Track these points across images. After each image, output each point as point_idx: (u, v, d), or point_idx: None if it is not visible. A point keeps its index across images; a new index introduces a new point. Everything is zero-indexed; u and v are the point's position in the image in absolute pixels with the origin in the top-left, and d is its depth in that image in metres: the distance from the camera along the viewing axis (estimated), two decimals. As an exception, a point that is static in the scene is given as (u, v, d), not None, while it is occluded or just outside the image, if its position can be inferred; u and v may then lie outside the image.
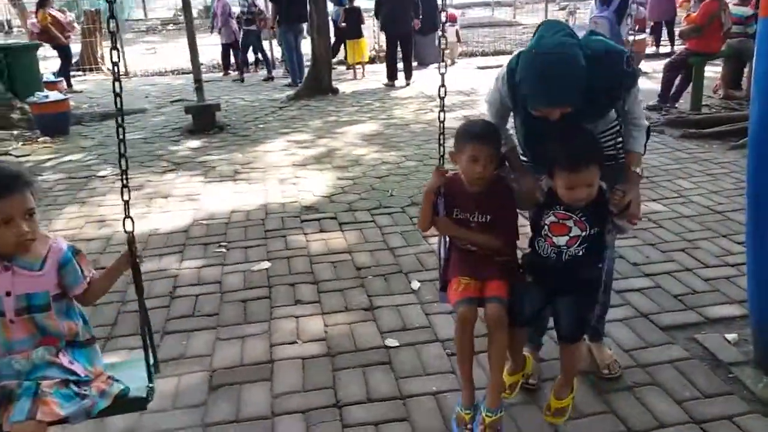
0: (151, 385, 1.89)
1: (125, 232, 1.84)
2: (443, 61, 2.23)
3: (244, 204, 4.86)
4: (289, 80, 10.65)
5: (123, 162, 1.84)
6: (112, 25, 1.79)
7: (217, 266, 3.78)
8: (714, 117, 6.91)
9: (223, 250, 4.02)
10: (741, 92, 8.13)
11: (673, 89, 7.70)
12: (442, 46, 2.29)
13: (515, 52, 2.24)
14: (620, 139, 2.31)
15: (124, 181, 1.84)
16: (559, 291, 2.19)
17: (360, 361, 2.77)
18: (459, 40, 13.24)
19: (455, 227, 2.30)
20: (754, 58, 2.26)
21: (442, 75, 2.20)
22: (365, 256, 3.85)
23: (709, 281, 3.36)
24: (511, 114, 2.35)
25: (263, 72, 11.76)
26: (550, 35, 2.02)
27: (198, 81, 7.38)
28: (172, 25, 22.16)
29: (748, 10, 7.51)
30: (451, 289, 2.27)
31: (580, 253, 2.14)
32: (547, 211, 2.17)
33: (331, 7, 11.21)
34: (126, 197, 1.84)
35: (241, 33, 11.56)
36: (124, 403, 1.86)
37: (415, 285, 3.44)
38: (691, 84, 7.43)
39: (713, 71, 8.28)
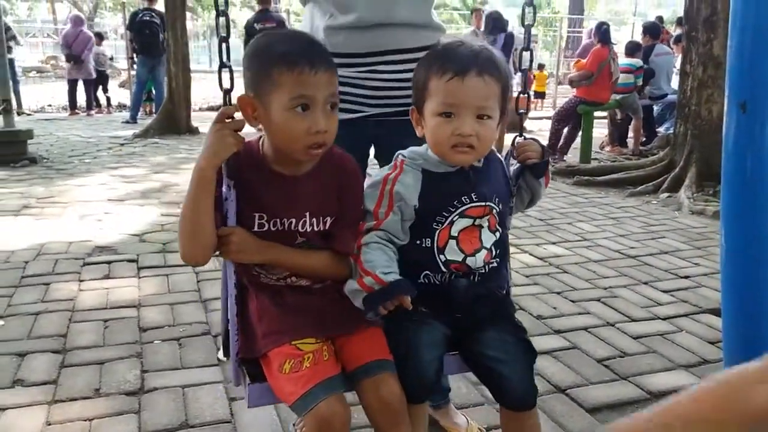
0: None
1: None
2: None
3: (7, 244, 3.43)
4: (128, 117, 9.14)
5: None
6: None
7: None
8: (607, 166, 6.45)
9: (-59, 304, 2.61)
10: (627, 149, 7.86)
11: (561, 141, 7.25)
12: None
13: None
14: None
15: None
16: (474, 324, 1.25)
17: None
18: None
19: (266, 248, 1.20)
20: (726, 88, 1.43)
21: None
22: (160, 311, 2.58)
23: (639, 339, 2.44)
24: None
25: (124, 114, 10.19)
26: None
27: (5, 101, 5.86)
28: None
29: (638, 61, 7.31)
30: (274, 372, 1.14)
31: (495, 264, 1.26)
32: (451, 207, 1.18)
33: None
34: None
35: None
36: None
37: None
38: (579, 136, 7.01)
39: (601, 131, 7.95)
